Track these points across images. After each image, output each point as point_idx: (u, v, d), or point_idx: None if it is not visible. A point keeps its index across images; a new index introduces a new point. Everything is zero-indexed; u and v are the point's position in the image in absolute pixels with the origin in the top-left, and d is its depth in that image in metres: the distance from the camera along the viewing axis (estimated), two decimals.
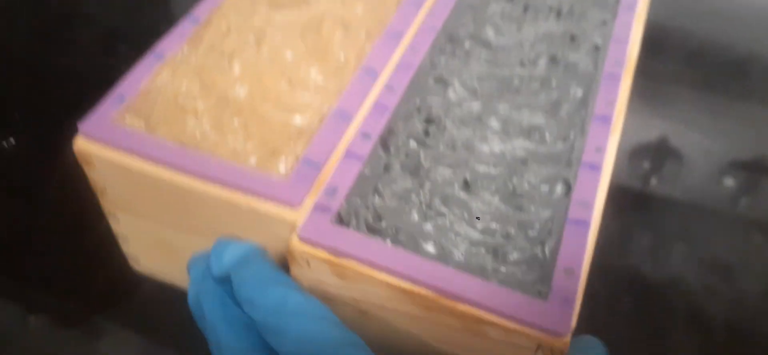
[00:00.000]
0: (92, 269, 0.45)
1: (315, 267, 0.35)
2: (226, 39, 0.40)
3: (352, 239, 0.34)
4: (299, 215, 0.32)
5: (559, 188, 0.38)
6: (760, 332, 0.41)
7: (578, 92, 0.44)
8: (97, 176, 0.35)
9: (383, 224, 0.36)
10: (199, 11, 0.41)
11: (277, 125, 0.38)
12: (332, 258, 0.34)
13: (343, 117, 0.40)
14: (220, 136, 0.36)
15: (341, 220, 0.36)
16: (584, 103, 0.44)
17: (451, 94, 0.44)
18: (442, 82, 0.45)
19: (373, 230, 0.36)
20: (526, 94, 0.44)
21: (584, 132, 0.41)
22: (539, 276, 0.34)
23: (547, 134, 0.41)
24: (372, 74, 0.43)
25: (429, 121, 0.42)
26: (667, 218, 0.48)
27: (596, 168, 0.39)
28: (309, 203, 0.33)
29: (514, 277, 0.34)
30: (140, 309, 0.43)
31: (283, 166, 0.35)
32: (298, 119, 0.40)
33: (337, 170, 0.37)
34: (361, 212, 0.37)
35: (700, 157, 0.51)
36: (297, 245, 0.34)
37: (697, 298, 0.41)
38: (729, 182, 0.49)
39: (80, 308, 0.43)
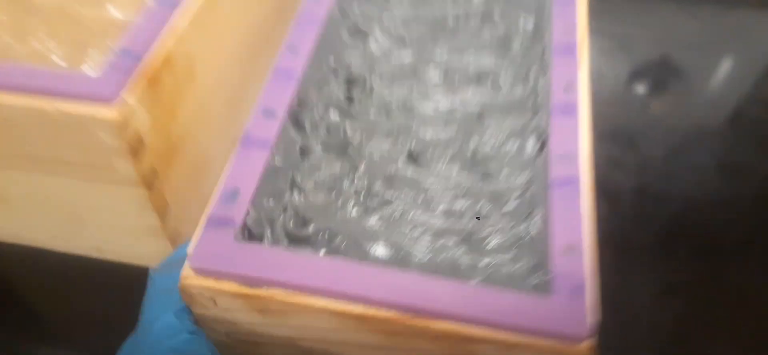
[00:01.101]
0: None
1: (225, 304, 0.25)
2: None
3: (269, 258, 0.24)
4: (116, 113, 0.27)
5: (531, 143, 0.30)
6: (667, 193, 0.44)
7: (528, 23, 0.35)
8: None
9: (310, 228, 0.26)
10: None
11: (86, 20, 0.32)
12: (245, 290, 0.24)
13: (169, 4, 0.32)
14: (22, 43, 0.31)
15: (250, 233, 0.25)
16: (538, 34, 0.35)
17: (373, 46, 0.34)
18: (360, 34, 0.35)
19: (297, 240, 0.26)
20: (465, 34, 0.35)
21: (546, 69, 0.33)
22: (532, 263, 0.25)
23: (501, 78, 0.32)
24: None
25: (350, 82, 0.32)
26: None
27: (570, 110, 0.30)
28: (141, 118, 0.28)
29: (500, 271, 0.25)
30: None
31: (92, 61, 0.30)
32: (112, 10, 0.33)
33: (235, 165, 0.27)
34: (276, 217, 0.26)
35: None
36: (191, 279, 0.23)
37: (603, 170, 0.42)
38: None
39: None
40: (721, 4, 0.60)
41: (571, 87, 0.32)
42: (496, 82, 0.33)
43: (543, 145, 0.30)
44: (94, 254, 0.37)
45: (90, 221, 0.34)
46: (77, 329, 0.37)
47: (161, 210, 0.32)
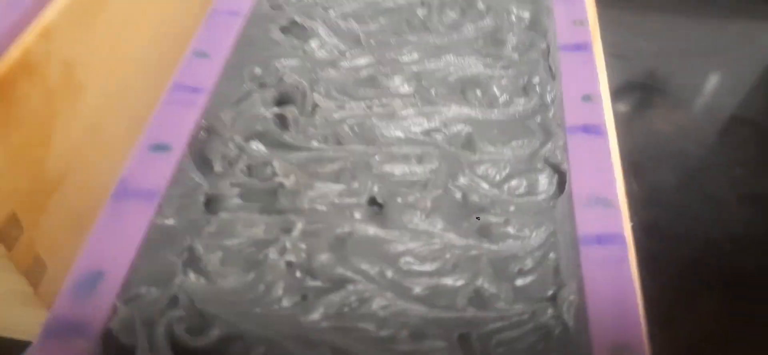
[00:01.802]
0: None
1: None
2: None
3: None
4: None
5: (544, 180, 0.20)
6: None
7: (523, 12, 0.26)
8: None
9: (213, 334, 0.16)
10: None
11: None
12: None
13: None
14: None
15: (118, 349, 0.15)
16: (537, 26, 0.26)
17: (316, 48, 0.25)
18: (297, 31, 0.25)
19: None
20: (441, 30, 0.26)
21: (554, 72, 0.24)
22: None
23: (493, 87, 0.23)
24: None
25: (283, 98, 0.22)
26: None
27: (595, 129, 0.22)
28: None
29: None
30: None
31: None
32: None
33: (99, 231, 0.17)
34: (159, 316, 0.16)
35: None
36: None
37: None
38: None
39: None
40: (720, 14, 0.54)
41: (591, 97, 0.23)
42: (487, 92, 0.24)
43: (563, 182, 0.20)
44: None
45: None
46: None
47: (31, 272, 0.25)
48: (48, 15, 0.24)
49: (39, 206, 0.25)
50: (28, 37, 0.23)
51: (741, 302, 0.34)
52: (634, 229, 0.22)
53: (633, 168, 0.40)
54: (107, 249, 0.18)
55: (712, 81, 0.48)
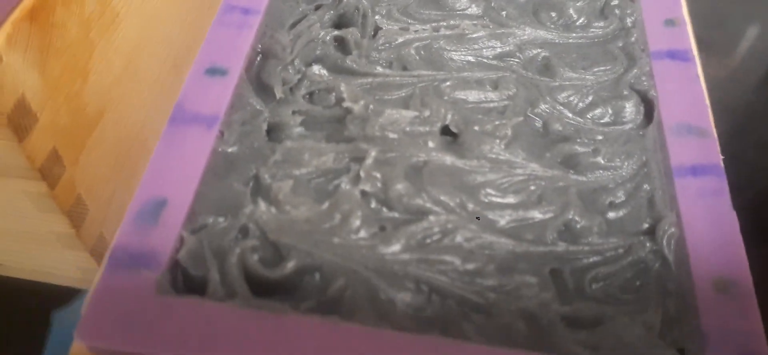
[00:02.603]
0: None
1: None
2: None
3: (218, 324, 0.13)
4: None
5: (630, 107, 0.19)
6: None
7: None
8: None
9: (289, 266, 0.15)
10: None
11: None
12: None
13: None
14: None
15: (184, 279, 0.14)
16: None
17: None
18: None
19: (266, 289, 0.15)
20: None
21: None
22: (668, 312, 0.14)
23: (570, 9, 0.22)
24: None
25: (342, 23, 0.21)
26: None
27: (682, 54, 0.20)
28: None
29: (612, 332, 0.14)
30: None
31: None
32: None
33: (159, 157, 0.16)
34: (229, 247, 0.15)
35: None
36: None
37: None
38: None
39: None
40: None
41: (675, 21, 0.21)
42: (563, 14, 0.22)
43: (650, 110, 0.19)
44: None
45: None
46: None
47: (73, 212, 0.24)
48: None
49: (79, 144, 0.24)
50: None
51: None
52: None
53: None
54: (169, 176, 0.17)
55: (753, 31, 0.46)
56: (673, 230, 0.16)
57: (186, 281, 0.15)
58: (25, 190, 0.23)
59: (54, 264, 0.27)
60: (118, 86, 0.26)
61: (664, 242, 0.16)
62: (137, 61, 0.28)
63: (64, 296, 0.26)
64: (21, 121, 0.21)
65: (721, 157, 0.19)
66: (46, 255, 0.27)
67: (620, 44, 0.21)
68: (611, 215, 0.17)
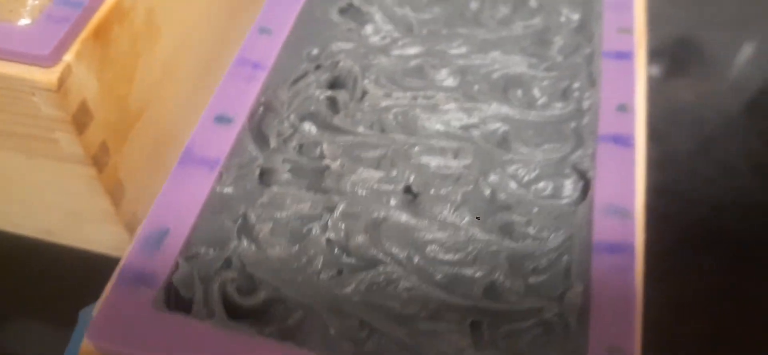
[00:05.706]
0: None
1: None
2: None
3: (194, 338, 0.17)
4: (53, 76, 0.23)
5: (569, 185, 0.22)
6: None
7: (573, 13, 0.27)
8: None
9: (259, 296, 0.19)
10: None
11: None
12: None
13: None
14: None
15: (176, 298, 0.18)
16: (584, 30, 0.27)
17: (371, 33, 0.26)
18: (354, 14, 0.27)
19: (238, 313, 0.18)
20: (491, 24, 0.27)
21: (594, 79, 0.25)
22: None
23: (534, 89, 0.25)
24: None
25: (335, 84, 0.24)
26: None
27: (625, 140, 0.23)
28: (75, 93, 0.23)
29: None
30: None
31: (27, 10, 0.24)
32: None
33: (168, 192, 0.20)
34: (214, 275, 0.19)
35: None
36: None
37: None
38: None
39: None
40: None
41: (626, 107, 0.24)
42: (528, 93, 0.25)
43: (587, 189, 0.22)
44: (43, 236, 0.33)
45: (35, 200, 0.30)
46: (27, 313, 0.33)
47: (114, 192, 0.29)
48: None
49: (122, 137, 0.28)
50: None
51: (737, 263, 0.35)
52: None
53: (651, 131, 0.41)
54: (173, 210, 0.21)
55: (744, 53, 0.47)
56: (578, 299, 0.19)
57: (177, 300, 0.19)
58: (79, 173, 0.27)
59: (95, 236, 0.31)
60: (157, 89, 0.30)
61: (569, 308, 0.19)
62: (173, 68, 0.32)
63: (107, 261, 0.29)
64: (81, 119, 0.24)
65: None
66: (89, 227, 0.31)
67: (573, 125, 0.24)
68: (532, 279, 0.20)
